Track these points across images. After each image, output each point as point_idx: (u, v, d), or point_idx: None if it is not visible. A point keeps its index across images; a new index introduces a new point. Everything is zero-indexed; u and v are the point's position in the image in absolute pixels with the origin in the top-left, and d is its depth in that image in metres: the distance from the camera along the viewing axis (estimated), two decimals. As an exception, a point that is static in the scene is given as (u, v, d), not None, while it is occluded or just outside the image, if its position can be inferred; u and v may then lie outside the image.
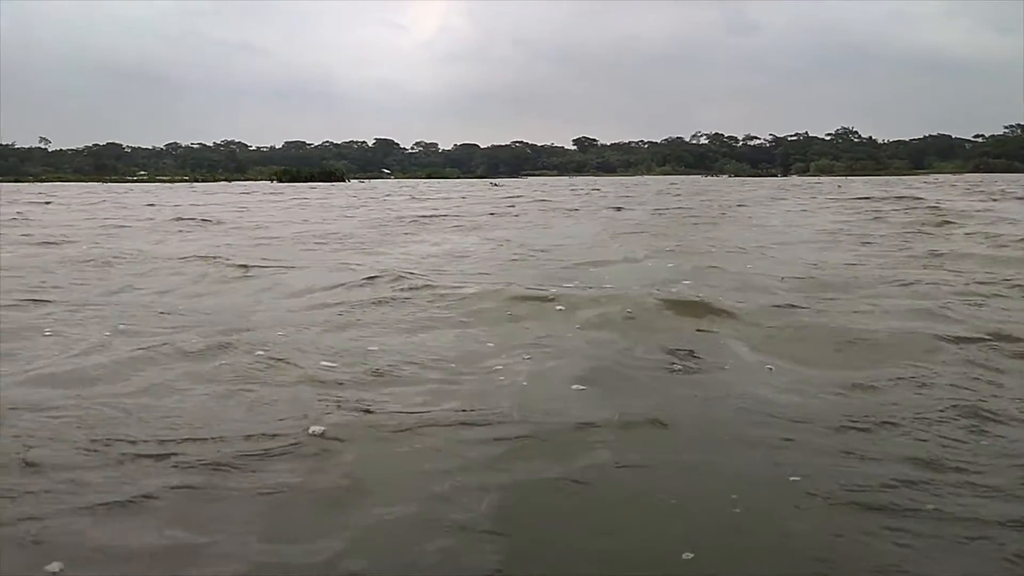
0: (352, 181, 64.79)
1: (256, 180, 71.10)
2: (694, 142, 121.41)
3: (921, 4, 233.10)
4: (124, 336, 4.46)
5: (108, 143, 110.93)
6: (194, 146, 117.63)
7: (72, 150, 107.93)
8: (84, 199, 27.40)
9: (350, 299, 5.75)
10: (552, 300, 5.50)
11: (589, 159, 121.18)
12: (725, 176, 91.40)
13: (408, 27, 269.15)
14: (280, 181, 61.24)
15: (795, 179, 76.36)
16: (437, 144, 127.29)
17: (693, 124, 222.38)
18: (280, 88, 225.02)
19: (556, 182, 66.53)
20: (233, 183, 63.05)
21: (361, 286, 6.35)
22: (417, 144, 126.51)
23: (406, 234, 12.34)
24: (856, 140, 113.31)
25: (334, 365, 3.83)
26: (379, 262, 8.13)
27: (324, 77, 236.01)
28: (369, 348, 4.20)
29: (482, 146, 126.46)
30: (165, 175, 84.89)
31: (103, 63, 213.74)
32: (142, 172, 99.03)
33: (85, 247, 9.87)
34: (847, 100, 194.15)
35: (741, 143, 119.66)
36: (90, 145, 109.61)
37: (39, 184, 58.36)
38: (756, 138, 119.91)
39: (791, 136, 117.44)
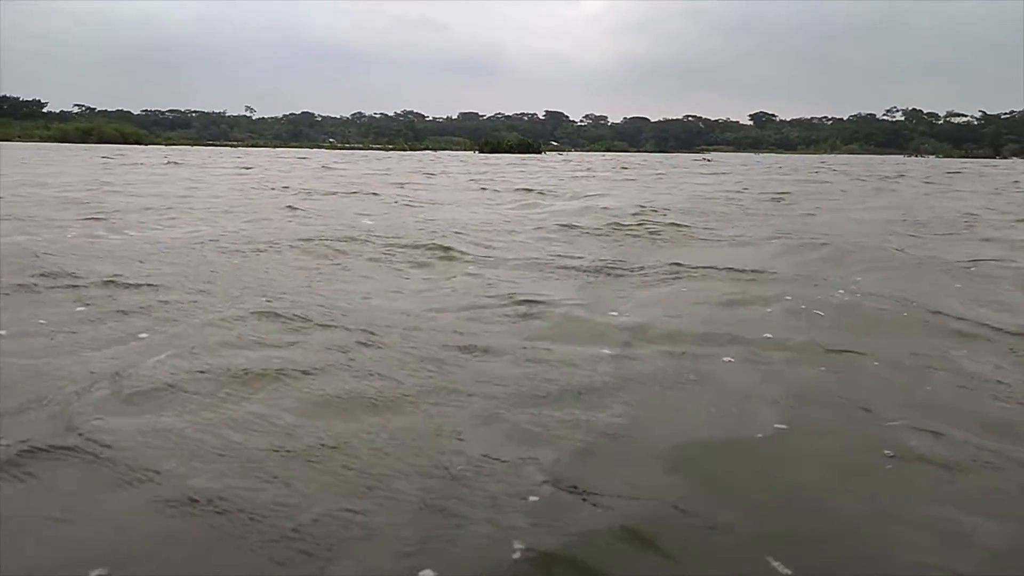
0: (546, 153, 65.65)
1: (444, 149, 73.74)
2: (887, 118, 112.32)
3: None
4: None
5: (302, 112, 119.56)
6: (376, 116, 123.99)
7: (272, 118, 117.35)
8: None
9: None
10: None
11: (766, 135, 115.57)
12: (931, 157, 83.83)
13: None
14: (482, 152, 63.47)
15: (1018, 163, 68.60)
16: (606, 117, 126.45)
17: (884, 100, 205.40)
18: (453, 61, 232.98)
19: (747, 159, 63.85)
20: (439, 152, 65.74)
21: None
22: (586, 117, 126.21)
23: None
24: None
25: None
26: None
27: (495, 50, 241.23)
28: None
29: (652, 120, 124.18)
30: (349, 143, 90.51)
31: (298, 39, 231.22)
32: (331, 139, 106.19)
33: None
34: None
35: (943, 120, 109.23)
36: (287, 114, 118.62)
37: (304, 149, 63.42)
38: (961, 115, 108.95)
39: (1004, 114, 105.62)
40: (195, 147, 59.36)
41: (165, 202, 9.99)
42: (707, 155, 70.28)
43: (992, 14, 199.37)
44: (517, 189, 14.39)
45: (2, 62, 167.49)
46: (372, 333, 3.36)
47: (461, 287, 4.61)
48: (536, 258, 5.77)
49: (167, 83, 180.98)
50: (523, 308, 3.96)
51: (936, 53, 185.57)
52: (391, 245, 6.19)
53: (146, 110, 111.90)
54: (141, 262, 5.16)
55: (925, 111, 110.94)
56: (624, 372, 2.94)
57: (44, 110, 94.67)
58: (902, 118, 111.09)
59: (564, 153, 70.82)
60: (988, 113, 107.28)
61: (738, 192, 14.83)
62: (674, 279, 4.99)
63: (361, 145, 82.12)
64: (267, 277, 4.78)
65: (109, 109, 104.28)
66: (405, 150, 67.83)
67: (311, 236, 6.54)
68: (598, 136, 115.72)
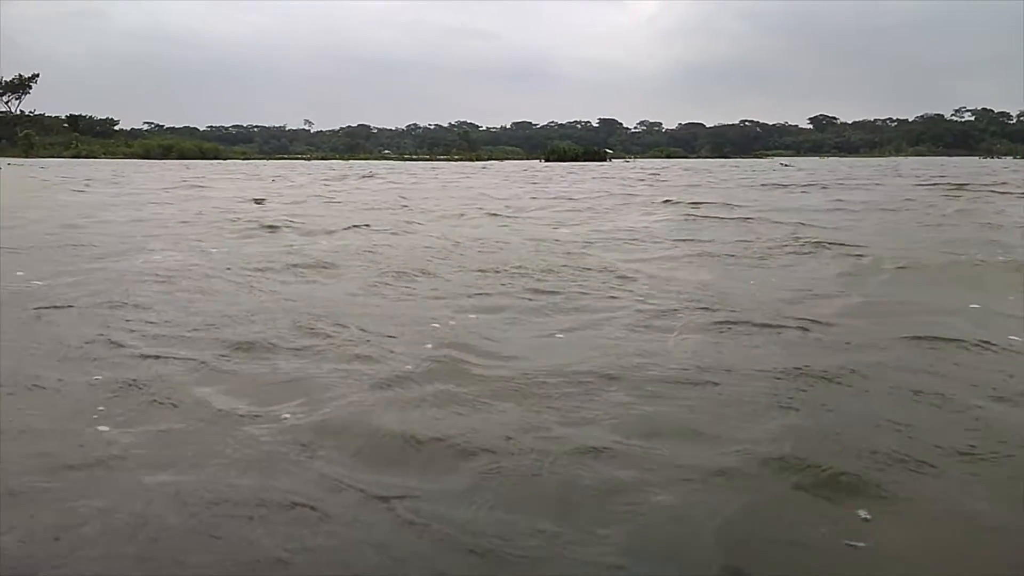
0: (614, 161, 65.35)
1: (506, 159, 74.06)
2: (956, 118, 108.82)
3: None
4: None
5: (359, 124, 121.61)
6: (431, 127, 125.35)
7: (330, 131, 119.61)
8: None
9: None
10: None
11: (827, 138, 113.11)
12: (1007, 158, 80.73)
13: (630, 2, 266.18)
14: (548, 161, 63.48)
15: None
16: (661, 123, 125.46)
17: (953, 99, 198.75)
18: (504, 69, 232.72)
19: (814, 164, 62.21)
20: (504, 162, 66.01)
21: None
22: (640, 123, 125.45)
23: None
24: None
25: None
26: None
27: (546, 57, 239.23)
28: None
29: (707, 125, 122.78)
30: (407, 154, 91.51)
31: (353, 53, 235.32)
32: (387, 151, 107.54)
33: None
34: None
35: (1016, 120, 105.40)
36: (344, 126, 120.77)
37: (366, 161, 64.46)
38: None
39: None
40: (270, 160, 60.68)
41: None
42: (783, 159, 68.81)
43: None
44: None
45: (69, 80, 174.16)
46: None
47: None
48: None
49: (224, 98, 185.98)
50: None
51: (1013, 46, 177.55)
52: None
53: (211, 126, 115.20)
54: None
55: (996, 110, 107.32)
56: None
57: (116, 127, 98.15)
58: (972, 118, 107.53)
59: (630, 160, 70.43)
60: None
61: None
62: None
63: (428, 156, 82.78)
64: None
65: (176, 126, 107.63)
66: (471, 160, 68.30)
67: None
68: (653, 143, 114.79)
